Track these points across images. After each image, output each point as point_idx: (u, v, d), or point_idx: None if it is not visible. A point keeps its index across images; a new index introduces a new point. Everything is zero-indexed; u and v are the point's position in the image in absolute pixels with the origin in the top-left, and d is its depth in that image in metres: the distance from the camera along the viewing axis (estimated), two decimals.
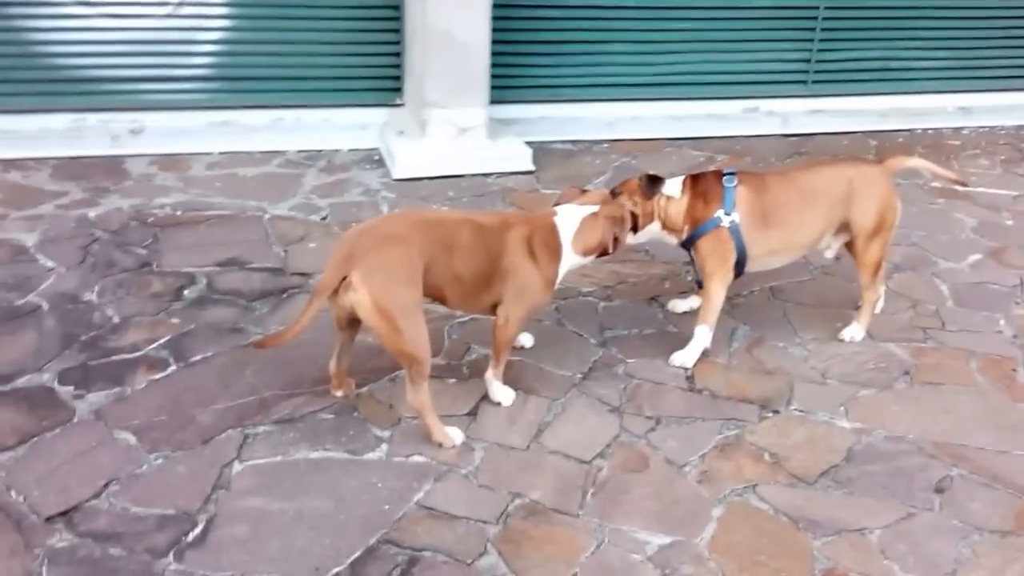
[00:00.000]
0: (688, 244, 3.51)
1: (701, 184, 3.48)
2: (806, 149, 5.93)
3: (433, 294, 3.07)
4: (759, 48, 6.12)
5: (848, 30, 6.23)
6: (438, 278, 2.99)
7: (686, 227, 3.48)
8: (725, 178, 3.45)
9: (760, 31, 6.07)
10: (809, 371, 3.54)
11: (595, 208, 3.23)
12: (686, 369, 3.51)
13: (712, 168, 3.89)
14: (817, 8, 6.09)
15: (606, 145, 5.77)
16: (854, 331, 3.73)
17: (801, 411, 3.31)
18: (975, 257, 4.53)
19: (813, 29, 6.14)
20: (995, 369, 3.60)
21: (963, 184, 3.99)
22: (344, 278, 2.84)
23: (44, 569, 2.50)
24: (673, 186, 3.50)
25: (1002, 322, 3.95)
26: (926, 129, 6.37)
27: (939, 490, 2.94)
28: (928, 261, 4.47)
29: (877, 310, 3.90)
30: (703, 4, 5.92)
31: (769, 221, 3.45)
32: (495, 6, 5.24)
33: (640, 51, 5.92)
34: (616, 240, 3.21)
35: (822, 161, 4.00)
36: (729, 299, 3.98)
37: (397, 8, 5.45)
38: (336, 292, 2.88)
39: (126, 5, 5.25)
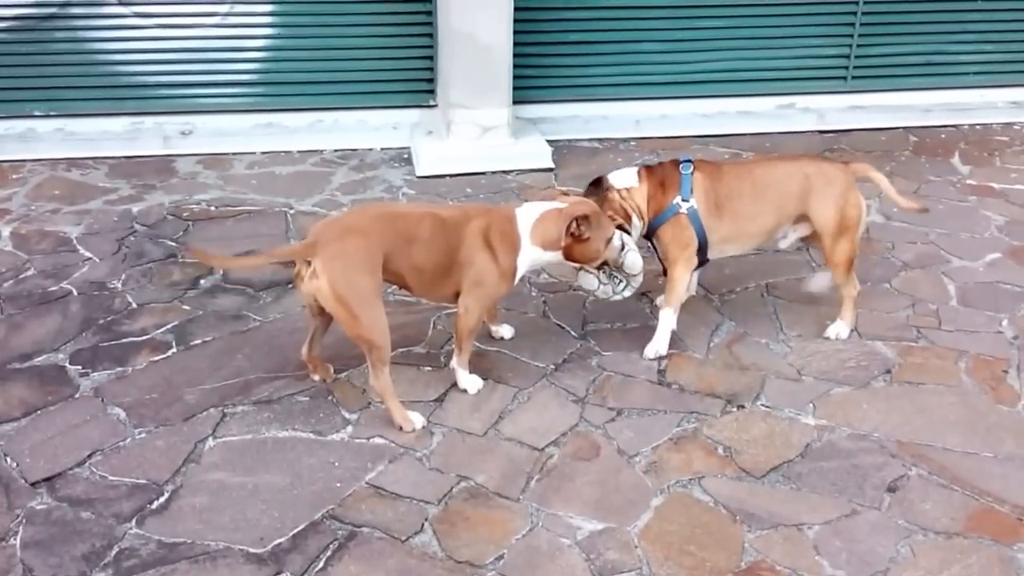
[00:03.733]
0: (649, 234, 3.55)
1: (658, 173, 3.53)
2: (840, 145, 5.80)
3: (397, 282, 3.23)
4: (796, 44, 6.02)
5: (890, 24, 6.04)
6: (399, 268, 3.14)
7: (648, 217, 3.52)
8: (681, 165, 3.50)
9: (797, 27, 5.97)
10: (786, 368, 3.51)
11: (561, 206, 3.28)
12: (660, 359, 3.53)
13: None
14: (857, 2, 5.94)
15: (633, 143, 5.79)
16: (839, 328, 3.67)
17: (767, 407, 3.29)
18: (993, 256, 4.37)
19: (853, 24, 5.99)
20: (984, 370, 3.48)
21: (922, 211, 3.85)
22: (308, 263, 3.02)
23: (20, 528, 2.75)
24: (628, 176, 3.54)
25: (1004, 323, 3.80)
26: (973, 124, 6.12)
27: (891, 489, 2.89)
28: (941, 259, 4.33)
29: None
30: (735, 1, 5.87)
31: (722, 209, 3.49)
32: (524, 8, 5.35)
33: (670, 49, 5.91)
34: (577, 237, 3.20)
35: (784, 157, 4.00)
36: (720, 295, 4.00)
37: (429, 13, 5.62)
38: (301, 279, 3.07)
39: (179, 16, 5.59)
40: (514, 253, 3.23)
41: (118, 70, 5.65)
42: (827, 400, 3.32)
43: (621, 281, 3.43)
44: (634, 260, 3.40)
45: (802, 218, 3.53)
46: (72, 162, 5.51)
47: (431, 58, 5.74)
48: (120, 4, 5.53)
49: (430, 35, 5.68)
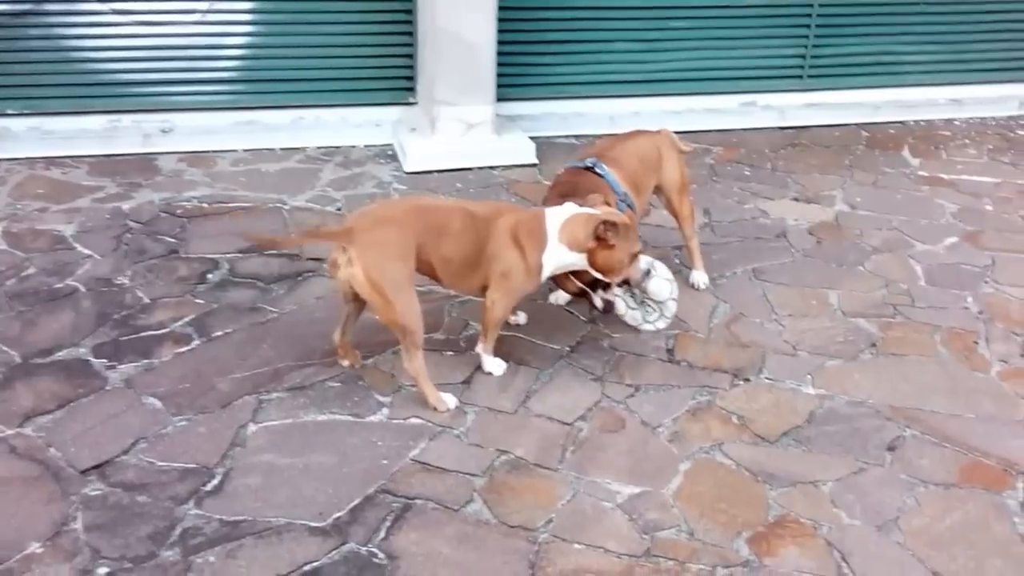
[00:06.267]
0: None
1: (583, 186, 3.60)
2: (801, 141, 6.18)
3: (427, 273, 3.38)
4: (756, 45, 6.39)
5: (842, 26, 6.47)
6: (430, 258, 3.30)
7: None
8: (597, 169, 3.72)
9: (757, 28, 6.34)
10: (782, 344, 3.80)
11: (595, 212, 3.37)
12: (667, 340, 3.79)
13: (567, 169, 3.90)
14: (812, 5, 6.35)
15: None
16: (699, 277, 4.19)
17: (770, 379, 3.57)
18: (951, 240, 4.77)
19: (808, 26, 6.39)
20: (958, 342, 3.84)
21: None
22: (343, 251, 3.17)
23: (80, 514, 2.83)
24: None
25: (969, 299, 4.18)
26: (918, 120, 6.59)
27: (891, 448, 3.20)
28: (906, 244, 4.71)
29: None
30: (701, 3, 6.19)
31: (638, 187, 3.84)
32: (502, 7, 5.54)
33: (640, 49, 6.21)
34: (603, 242, 3.29)
35: (628, 135, 4.15)
36: (712, 279, 4.27)
37: (409, 12, 5.77)
38: (337, 266, 3.21)
39: (157, 13, 5.61)
40: (540, 251, 3.36)
41: (94, 67, 5.63)
42: (823, 372, 3.62)
43: (654, 310, 3.52)
44: (658, 287, 3.45)
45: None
46: (50, 161, 5.48)
47: (411, 56, 5.89)
48: (96, 0, 5.53)
49: (410, 34, 5.83)
